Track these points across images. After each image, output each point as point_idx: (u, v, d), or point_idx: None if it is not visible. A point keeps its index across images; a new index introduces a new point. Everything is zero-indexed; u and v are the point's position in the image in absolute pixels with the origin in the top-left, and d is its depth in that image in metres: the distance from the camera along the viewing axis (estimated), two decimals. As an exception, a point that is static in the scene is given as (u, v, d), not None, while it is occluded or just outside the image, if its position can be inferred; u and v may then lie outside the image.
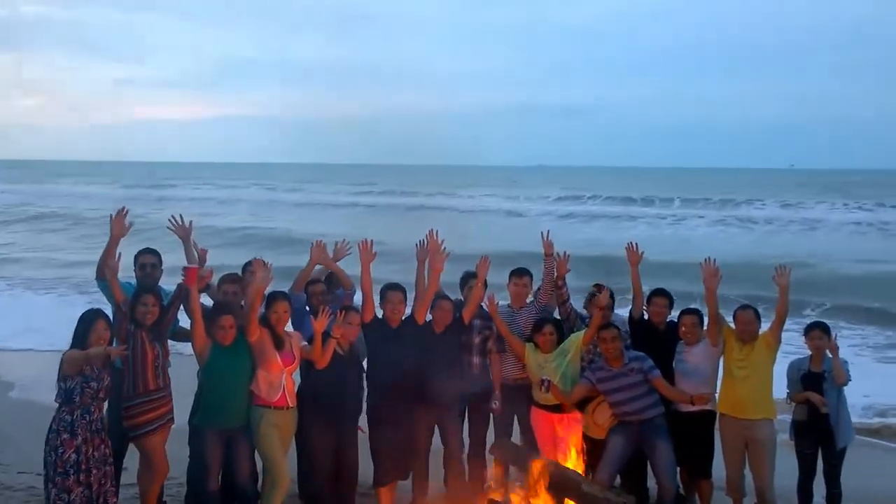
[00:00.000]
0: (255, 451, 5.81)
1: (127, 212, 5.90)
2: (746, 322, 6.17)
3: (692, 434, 6.22)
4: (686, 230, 35.49)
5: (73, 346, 5.22)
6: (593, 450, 6.17)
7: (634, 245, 6.72)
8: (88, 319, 5.28)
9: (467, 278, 6.71)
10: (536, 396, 6.31)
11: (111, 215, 5.94)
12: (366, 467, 6.19)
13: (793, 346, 6.81)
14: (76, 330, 5.27)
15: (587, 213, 41.36)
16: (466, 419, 6.62)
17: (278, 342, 5.75)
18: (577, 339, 6.26)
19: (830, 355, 6.11)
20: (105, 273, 5.82)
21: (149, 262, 6.07)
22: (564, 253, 6.62)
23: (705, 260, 6.28)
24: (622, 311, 6.82)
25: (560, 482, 5.31)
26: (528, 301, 6.69)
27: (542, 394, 6.15)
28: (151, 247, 6.24)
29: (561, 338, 6.31)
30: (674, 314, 6.64)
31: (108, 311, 5.67)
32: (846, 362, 6.20)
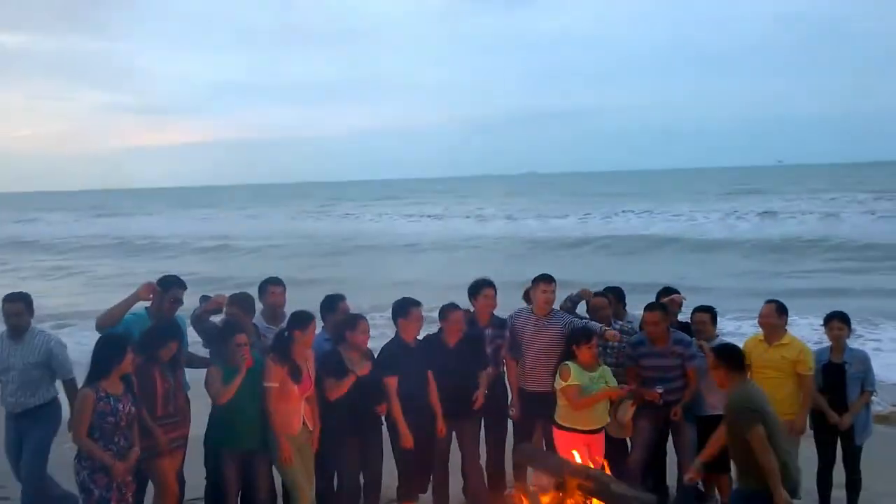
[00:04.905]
0: (273, 468, 5.78)
1: (158, 290, 5.91)
2: (765, 315, 6.25)
3: (709, 436, 6.27)
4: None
5: (95, 371, 5.12)
6: (612, 451, 6.20)
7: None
8: (118, 348, 5.17)
9: (479, 287, 6.66)
10: (569, 417, 6.06)
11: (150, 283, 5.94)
12: (386, 481, 6.18)
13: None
14: (101, 356, 5.14)
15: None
16: (483, 427, 6.61)
17: (296, 374, 5.64)
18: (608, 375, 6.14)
19: (852, 345, 6.22)
20: (114, 323, 5.74)
21: (181, 296, 6.01)
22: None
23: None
24: (638, 312, 6.87)
25: (589, 483, 5.32)
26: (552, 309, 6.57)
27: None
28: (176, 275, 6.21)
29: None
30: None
31: None
32: (868, 356, 6.31)
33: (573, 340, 6.07)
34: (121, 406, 5.10)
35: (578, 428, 6.00)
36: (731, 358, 5.26)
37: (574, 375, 5.93)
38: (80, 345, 7.90)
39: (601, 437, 6.13)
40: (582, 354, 5.99)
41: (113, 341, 5.29)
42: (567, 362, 6.01)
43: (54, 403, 6.09)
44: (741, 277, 22.35)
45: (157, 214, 66.09)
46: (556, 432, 6.15)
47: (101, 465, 5.05)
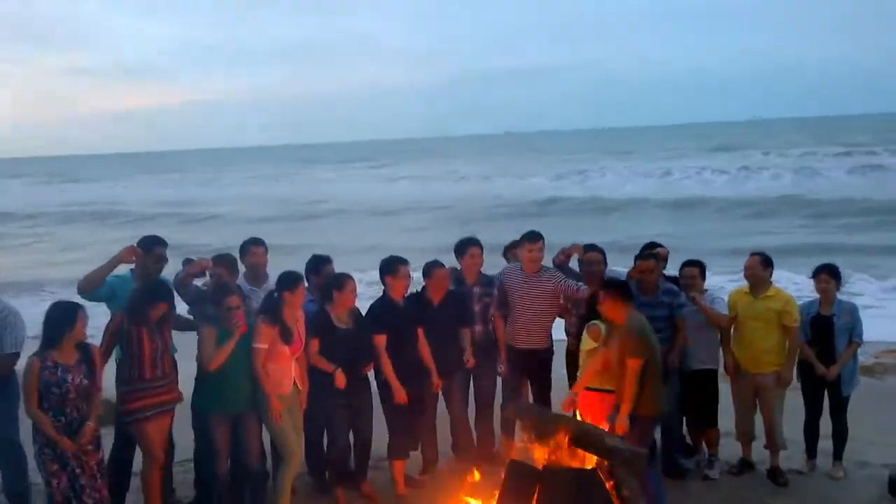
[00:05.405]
0: (262, 429, 5.71)
1: (141, 252, 5.73)
2: (750, 267, 6.30)
3: (698, 391, 6.36)
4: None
5: (44, 340, 4.93)
6: None
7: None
8: (68, 314, 4.95)
9: (465, 246, 6.61)
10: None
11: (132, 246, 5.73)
12: (374, 439, 6.15)
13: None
14: (50, 324, 4.93)
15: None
16: (472, 385, 6.65)
17: (286, 335, 5.55)
18: None
19: (840, 297, 6.27)
20: (96, 286, 5.60)
21: (164, 254, 5.87)
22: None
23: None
24: (623, 269, 6.84)
25: (582, 437, 5.29)
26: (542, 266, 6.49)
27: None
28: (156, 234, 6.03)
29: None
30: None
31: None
32: (856, 308, 6.37)
33: (598, 300, 5.83)
34: (70, 377, 4.89)
35: (606, 388, 5.77)
36: (622, 289, 5.53)
37: (605, 336, 5.72)
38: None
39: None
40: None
41: (62, 307, 5.04)
42: (595, 322, 5.76)
43: (13, 373, 5.82)
44: (718, 234, 22.54)
45: (123, 180, 65.17)
46: (586, 393, 5.84)
47: (49, 440, 4.89)
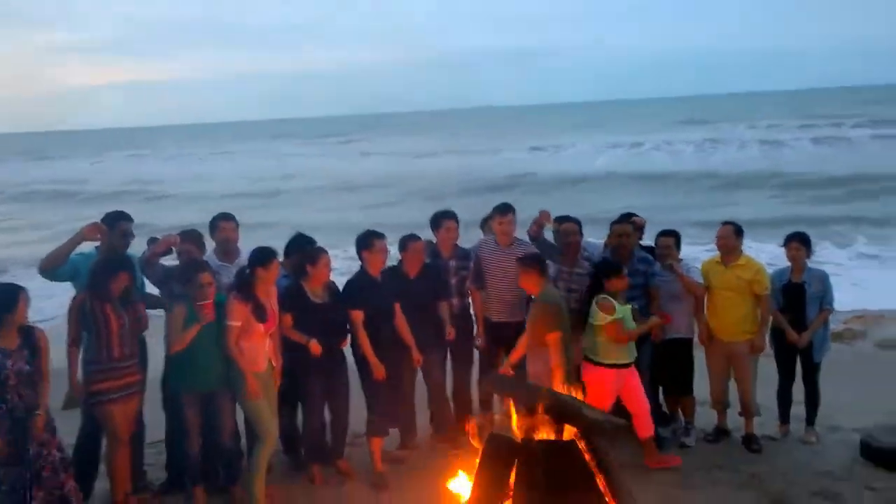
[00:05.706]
0: (236, 408, 5.62)
1: (105, 229, 5.55)
2: (723, 236, 6.35)
3: (673, 359, 6.39)
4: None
5: None
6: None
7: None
8: (8, 297, 4.80)
9: (440, 219, 6.55)
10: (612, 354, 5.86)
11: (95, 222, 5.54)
12: (352, 416, 6.09)
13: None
14: None
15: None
16: (449, 359, 6.60)
17: (260, 312, 5.44)
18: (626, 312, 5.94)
19: (809, 265, 6.33)
20: (58, 264, 5.43)
21: (130, 229, 5.72)
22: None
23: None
24: (597, 241, 6.82)
25: (560, 408, 5.27)
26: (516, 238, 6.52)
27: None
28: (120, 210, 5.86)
29: None
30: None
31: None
32: (827, 275, 6.42)
33: (603, 273, 5.88)
34: (9, 362, 4.75)
35: (618, 362, 5.83)
36: (541, 262, 5.71)
37: (617, 309, 5.75)
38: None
39: (633, 370, 5.96)
40: (614, 285, 5.79)
41: (1, 290, 4.91)
42: (605, 296, 5.78)
43: None
44: (689, 206, 22.69)
45: (96, 156, 64.06)
46: (594, 369, 5.88)
47: None
